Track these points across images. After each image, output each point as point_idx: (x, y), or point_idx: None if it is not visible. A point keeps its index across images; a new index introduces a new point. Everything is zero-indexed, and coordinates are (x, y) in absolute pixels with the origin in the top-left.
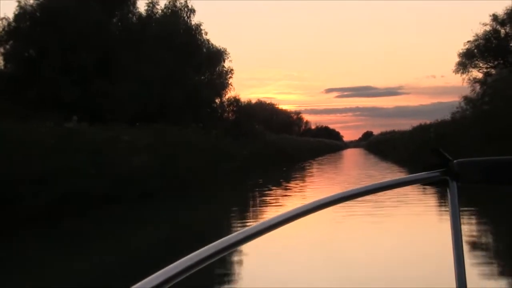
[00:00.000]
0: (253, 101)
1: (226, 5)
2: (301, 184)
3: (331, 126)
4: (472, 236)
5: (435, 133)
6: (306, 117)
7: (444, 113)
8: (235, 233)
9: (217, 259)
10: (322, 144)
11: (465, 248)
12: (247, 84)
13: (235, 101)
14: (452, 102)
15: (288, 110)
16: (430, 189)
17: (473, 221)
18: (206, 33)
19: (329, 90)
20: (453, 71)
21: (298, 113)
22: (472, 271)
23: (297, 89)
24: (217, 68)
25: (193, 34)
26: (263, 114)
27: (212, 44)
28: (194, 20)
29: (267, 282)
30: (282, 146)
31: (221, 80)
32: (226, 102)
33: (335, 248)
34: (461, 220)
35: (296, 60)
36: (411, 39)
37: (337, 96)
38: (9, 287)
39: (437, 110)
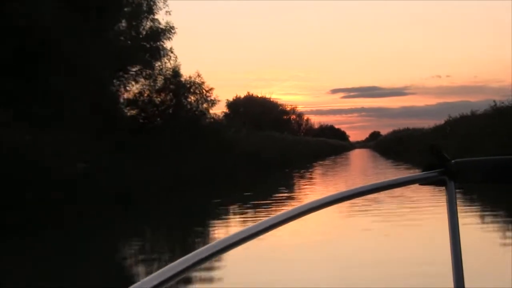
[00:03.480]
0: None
1: (230, 4)
2: None
3: (337, 127)
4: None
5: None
6: (312, 118)
7: (450, 113)
8: (232, 234)
9: (215, 259)
10: (325, 144)
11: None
12: (253, 85)
13: (173, 76)
14: (458, 102)
15: (285, 106)
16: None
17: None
18: None
19: (335, 91)
20: None
21: (294, 108)
22: (471, 271)
23: (302, 89)
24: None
25: None
26: (253, 110)
27: None
28: None
29: (263, 283)
30: (257, 149)
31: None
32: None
33: (334, 248)
34: (459, 220)
35: (302, 60)
36: (416, 39)
37: (343, 97)
38: None
39: (443, 110)
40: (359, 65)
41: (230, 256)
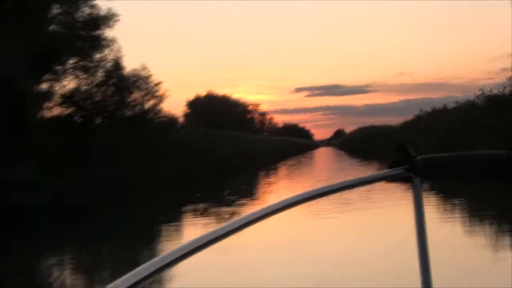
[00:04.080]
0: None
1: (191, 4)
2: None
3: (301, 125)
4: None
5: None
6: (277, 117)
7: (413, 110)
8: (201, 235)
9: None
10: (288, 143)
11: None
12: (218, 85)
13: (114, 69)
14: (420, 99)
15: (248, 104)
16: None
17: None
18: None
19: (299, 90)
20: None
21: (257, 107)
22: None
23: (266, 89)
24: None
25: None
26: (214, 109)
27: None
28: None
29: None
30: (214, 149)
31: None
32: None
33: (301, 247)
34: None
35: (266, 60)
36: (379, 36)
37: (307, 95)
38: None
39: (405, 108)
40: (323, 63)
41: (198, 258)
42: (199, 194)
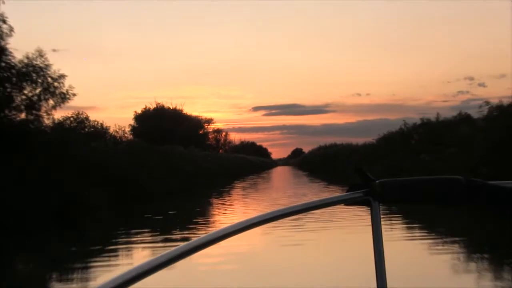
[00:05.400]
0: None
1: (145, 23)
2: None
3: (259, 144)
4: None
5: None
6: (234, 135)
7: (370, 130)
8: (164, 252)
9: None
10: (244, 161)
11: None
12: (174, 103)
13: None
14: (377, 120)
15: (201, 118)
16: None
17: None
18: None
19: (256, 108)
20: None
21: (210, 121)
22: None
23: (224, 107)
24: None
25: None
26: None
27: None
28: None
29: None
30: (140, 170)
31: None
32: None
33: (261, 269)
34: (383, 239)
35: (223, 78)
36: (337, 57)
37: (264, 114)
38: None
39: (362, 127)
40: (280, 82)
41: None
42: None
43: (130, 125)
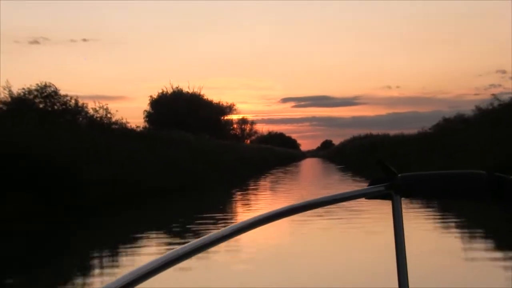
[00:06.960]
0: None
1: (181, 12)
2: None
3: (288, 135)
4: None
5: None
6: (262, 127)
7: (400, 123)
8: (179, 247)
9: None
10: (267, 153)
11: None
12: (203, 93)
13: None
14: (407, 112)
15: (223, 104)
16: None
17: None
18: None
19: (286, 100)
20: None
21: (232, 106)
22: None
23: (253, 98)
24: None
25: None
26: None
27: None
28: None
29: None
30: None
31: None
32: None
33: (283, 261)
34: (405, 234)
35: (253, 69)
36: (367, 50)
37: (294, 106)
38: None
39: (394, 120)
40: (310, 74)
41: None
42: None
43: (145, 111)
